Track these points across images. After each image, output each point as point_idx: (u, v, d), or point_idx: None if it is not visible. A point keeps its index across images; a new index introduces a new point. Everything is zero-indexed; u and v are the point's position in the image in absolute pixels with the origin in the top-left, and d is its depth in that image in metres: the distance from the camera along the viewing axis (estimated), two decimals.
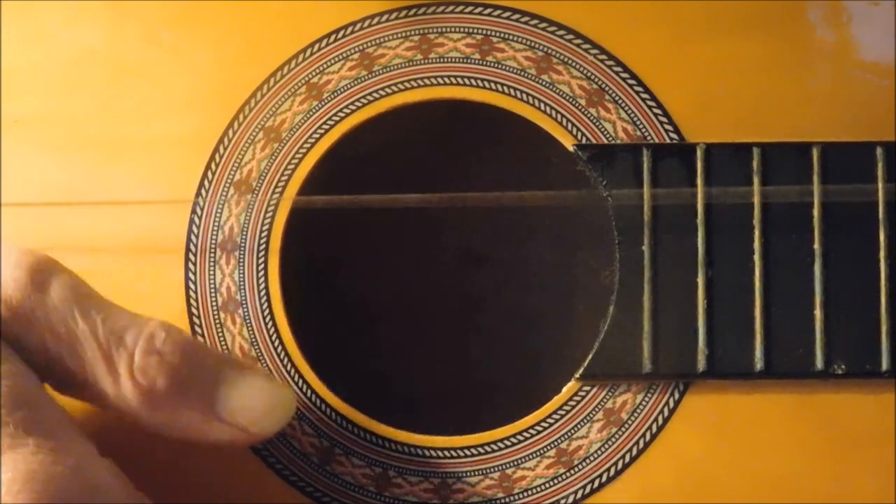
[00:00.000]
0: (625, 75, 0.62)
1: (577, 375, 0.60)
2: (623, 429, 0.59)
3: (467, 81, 0.62)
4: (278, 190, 0.62)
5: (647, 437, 0.59)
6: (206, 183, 0.62)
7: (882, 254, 0.59)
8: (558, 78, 0.62)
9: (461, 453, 0.60)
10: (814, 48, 0.61)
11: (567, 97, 0.62)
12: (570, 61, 0.62)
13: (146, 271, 0.61)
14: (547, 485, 0.60)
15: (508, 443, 0.60)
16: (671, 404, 0.59)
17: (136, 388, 0.54)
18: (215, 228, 0.62)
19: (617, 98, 0.61)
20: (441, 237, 0.67)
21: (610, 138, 0.61)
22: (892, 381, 0.59)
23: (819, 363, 0.59)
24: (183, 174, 0.62)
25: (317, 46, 0.63)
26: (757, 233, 0.59)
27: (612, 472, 0.59)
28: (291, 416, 0.57)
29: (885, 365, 0.58)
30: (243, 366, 0.57)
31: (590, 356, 0.59)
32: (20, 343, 0.54)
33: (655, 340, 0.59)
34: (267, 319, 0.61)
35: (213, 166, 0.62)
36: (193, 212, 0.62)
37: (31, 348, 0.54)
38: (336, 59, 0.63)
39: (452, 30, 0.63)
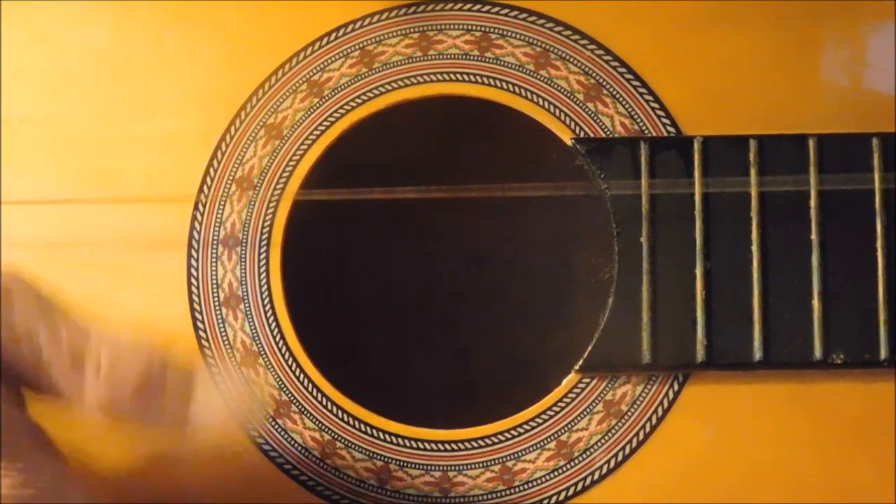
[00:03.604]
0: (622, 70, 0.62)
1: (577, 367, 0.60)
2: (623, 420, 0.60)
3: (466, 78, 0.63)
4: (279, 186, 0.62)
5: (647, 428, 0.59)
6: (208, 180, 0.63)
7: (879, 243, 0.59)
8: (556, 73, 0.62)
9: (462, 446, 0.60)
10: (811, 41, 0.62)
11: (565, 92, 0.62)
12: (567, 57, 0.62)
13: (149, 267, 0.62)
14: (547, 477, 0.60)
15: (509, 435, 0.60)
16: (671, 395, 0.60)
17: (102, 398, 0.53)
18: (217, 225, 0.62)
19: (614, 93, 0.62)
20: (442, 232, 0.68)
21: (608, 132, 0.62)
22: (891, 370, 0.59)
23: (817, 353, 0.59)
24: (185, 171, 0.63)
25: (317, 44, 0.63)
26: (754, 224, 0.60)
27: (613, 463, 0.59)
28: (263, 413, 0.57)
29: (883, 354, 0.59)
30: (206, 380, 0.56)
31: (589, 348, 0.60)
32: None
33: (654, 331, 0.59)
34: (268, 315, 0.61)
35: (215, 163, 0.63)
36: (196, 208, 0.62)
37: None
38: (336, 56, 0.63)
39: (451, 27, 0.63)
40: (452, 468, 0.60)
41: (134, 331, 0.55)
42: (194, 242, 0.62)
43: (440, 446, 0.60)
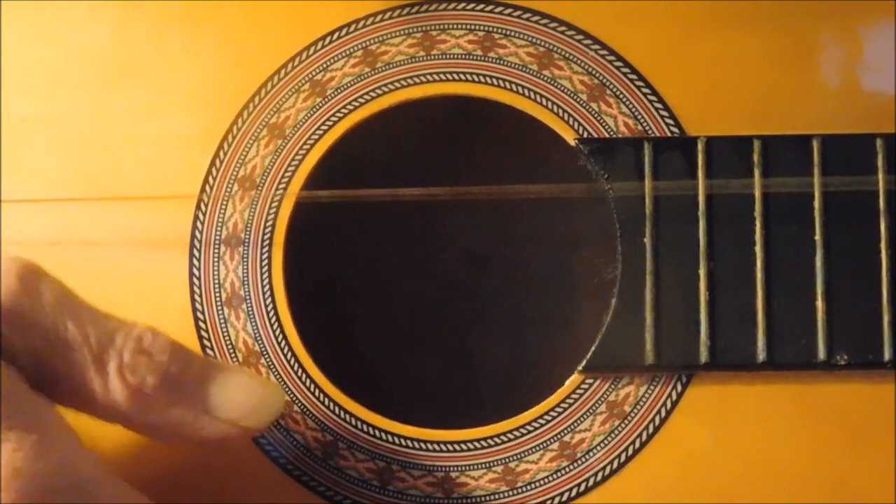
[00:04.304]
0: (625, 70, 0.62)
1: (580, 368, 0.60)
2: (626, 421, 0.60)
3: (470, 77, 0.63)
4: (282, 186, 0.62)
5: (650, 429, 0.59)
6: (210, 179, 0.62)
7: (883, 244, 0.59)
8: (560, 73, 0.62)
9: (464, 447, 0.60)
10: (814, 41, 0.62)
11: (568, 92, 0.62)
12: (571, 57, 0.62)
13: (151, 267, 0.61)
14: (550, 478, 0.60)
15: (512, 436, 0.60)
16: (674, 396, 0.59)
17: (126, 388, 0.53)
18: (219, 224, 0.62)
19: (618, 92, 0.62)
20: (444, 232, 0.68)
21: (611, 132, 0.62)
22: (894, 372, 0.59)
23: (821, 354, 0.59)
24: (187, 170, 0.62)
25: (320, 44, 0.63)
26: (758, 224, 0.60)
27: (616, 464, 0.59)
28: (281, 410, 0.57)
29: (887, 355, 0.58)
30: (228, 366, 0.58)
31: (592, 349, 0.60)
32: (10, 348, 0.53)
33: (658, 332, 0.59)
34: (270, 315, 0.61)
35: (217, 163, 0.63)
36: (198, 207, 0.62)
37: (19, 353, 0.53)
38: (339, 56, 0.63)
39: (454, 27, 0.63)
40: (455, 469, 0.60)
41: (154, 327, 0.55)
42: (196, 242, 0.62)
43: (443, 447, 0.60)
